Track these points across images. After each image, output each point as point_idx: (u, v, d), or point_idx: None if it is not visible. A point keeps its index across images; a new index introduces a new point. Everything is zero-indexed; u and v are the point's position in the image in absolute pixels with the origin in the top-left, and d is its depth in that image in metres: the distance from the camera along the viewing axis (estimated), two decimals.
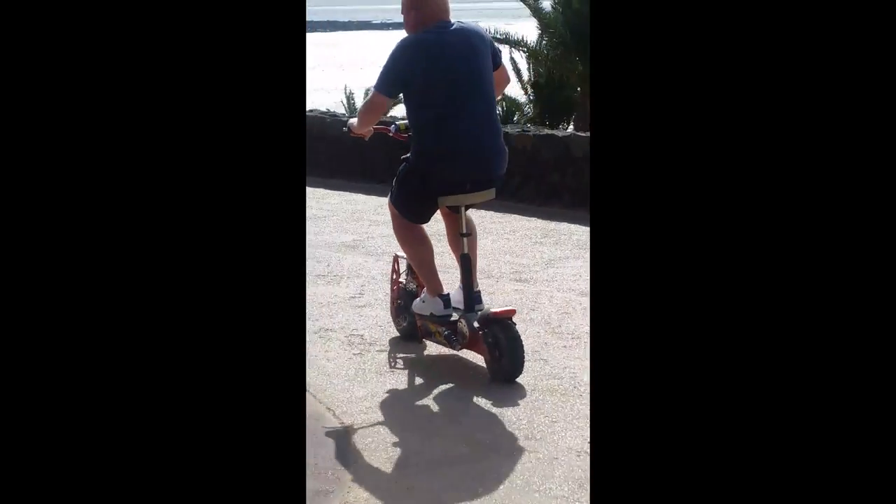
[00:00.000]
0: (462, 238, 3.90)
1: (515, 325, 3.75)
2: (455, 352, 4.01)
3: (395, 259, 4.39)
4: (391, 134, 4.25)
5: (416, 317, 4.06)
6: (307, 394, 3.44)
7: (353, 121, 4.16)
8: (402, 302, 4.26)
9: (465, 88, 3.77)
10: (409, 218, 3.99)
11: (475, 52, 3.81)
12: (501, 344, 3.70)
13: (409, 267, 4.25)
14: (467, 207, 3.92)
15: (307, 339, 3.84)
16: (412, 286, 4.23)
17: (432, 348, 4.16)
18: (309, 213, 5.47)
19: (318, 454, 3.12)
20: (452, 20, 3.86)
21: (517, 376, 3.72)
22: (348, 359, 4.07)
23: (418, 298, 4.06)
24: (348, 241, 6.24)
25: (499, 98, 4.41)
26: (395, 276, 4.36)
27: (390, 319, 4.41)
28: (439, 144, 3.79)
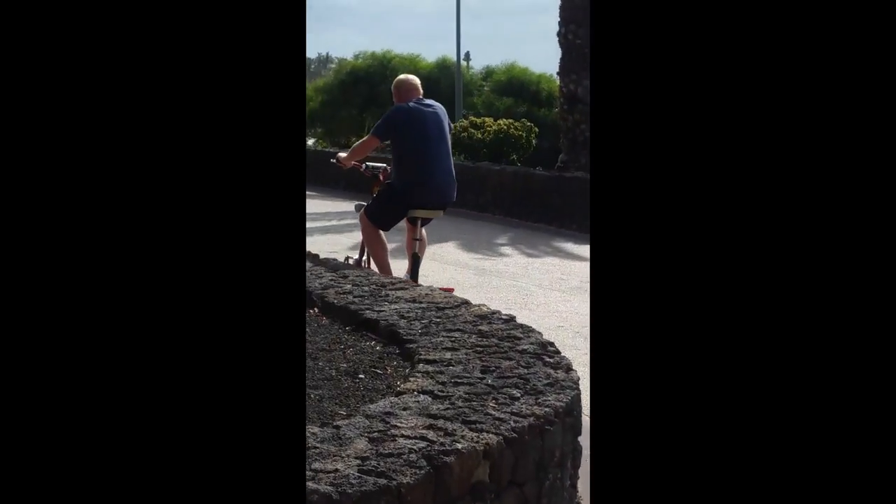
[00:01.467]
0: (415, 241, 5.93)
1: None
2: None
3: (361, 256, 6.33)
4: (361, 169, 6.33)
5: None
6: None
7: (342, 154, 6.37)
8: None
9: (433, 140, 5.82)
10: (377, 225, 5.97)
11: (439, 119, 5.95)
12: None
13: (369, 259, 6.16)
14: (423, 222, 5.94)
15: None
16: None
17: None
18: None
19: None
20: (424, 98, 6.08)
21: None
22: None
23: None
24: None
25: None
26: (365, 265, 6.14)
27: None
28: (416, 175, 5.79)
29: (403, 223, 6.10)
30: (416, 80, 6.22)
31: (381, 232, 5.97)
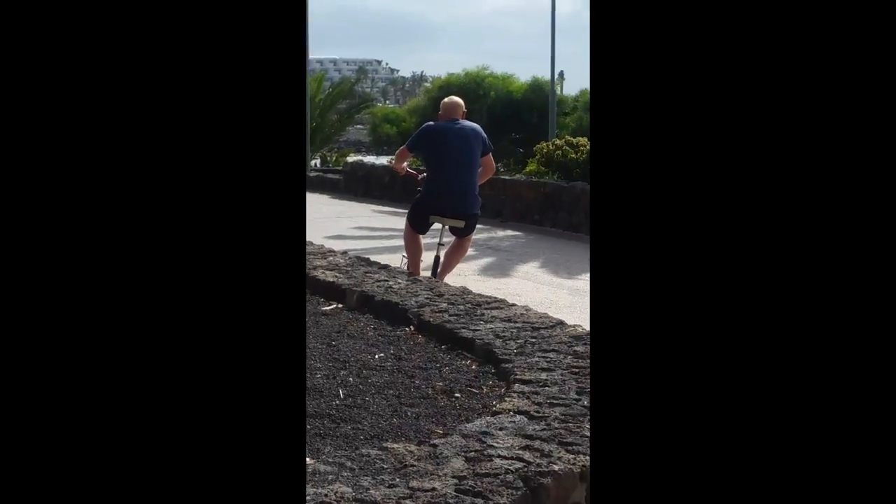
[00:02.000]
0: (439, 245, 6.83)
1: None
2: None
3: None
4: (407, 173, 7.35)
5: None
6: None
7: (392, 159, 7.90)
8: None
9: (453, 156, 6.52)
10: (413, 227, 6.78)
11: (466, 139, 6.58)
12: None
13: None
14: (453, 230, 6.69)
15: None
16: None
17: None
18: None
19: None
20: (461, 120, 6.72)
21: None
22: None
23: None
24: None
25: (486, 180, 7.00)
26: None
27: None
28: (434, 185, 6.63)
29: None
30: (456, 102, 6.89)
31: (419, 235, 6.79)
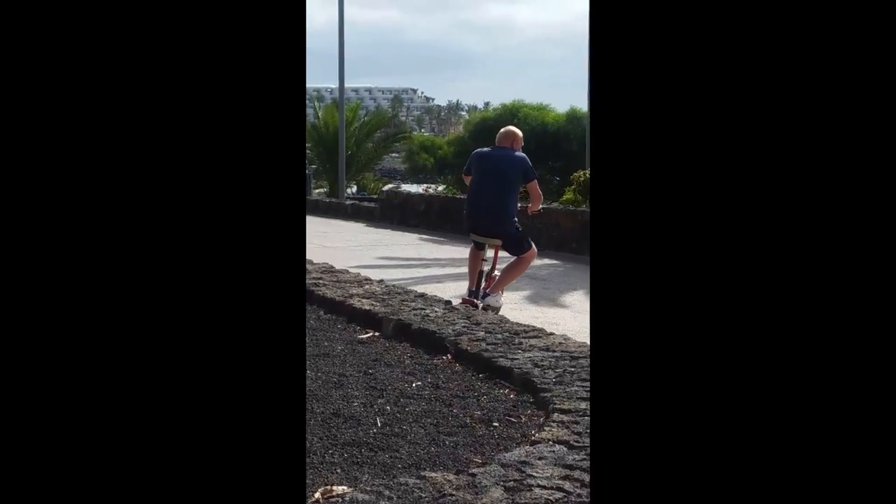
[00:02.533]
0: (482, 261, 7.33)
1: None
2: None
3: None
4: None
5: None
6: None
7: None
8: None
9: (487, 179, 7.15)
10: (474, 243, 7.40)
11: (502, 162, 7.16)
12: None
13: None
14: (491, 246, 7.33)
15: None
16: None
17: None
18: None
19: None
20: (509, 147, 7.29)
21: None
22: None
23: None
24: None
25: (537, 208, 7.63)
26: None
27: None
28: (468, 205, 7.37)
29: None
30: (504, 132, 7.50)
31: (478, 251, 7.35)
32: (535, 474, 2.43)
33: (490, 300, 7.23)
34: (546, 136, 19.65)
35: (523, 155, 7.29)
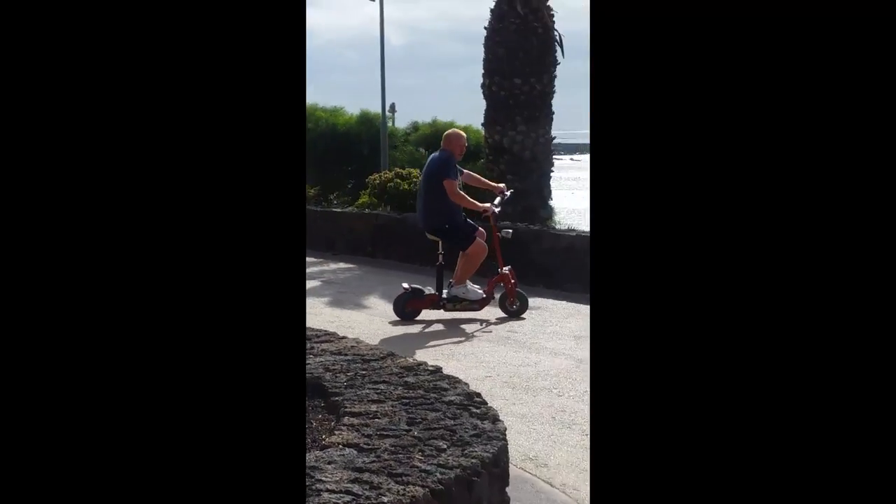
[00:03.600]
0: (438, 255, 8.16)
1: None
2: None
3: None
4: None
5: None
6: None
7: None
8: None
9: (422, 181, 8.19)
10: None
11: (428, 166, 8.10)
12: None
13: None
14: (442, 245, 8.13)
15: None
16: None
17: None
18: None
19: None
20: (444, 149, 8.10)
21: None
22: None
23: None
24: None
25: (461, 203, 8.07)
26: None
27: None
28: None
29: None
30: (445, 135, 8.25)
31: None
32: (324, 479, 2.41)
33: (456, 291, 7.98)
34: (337, 138, 19.54)
35: (443, 155, 7.96)
